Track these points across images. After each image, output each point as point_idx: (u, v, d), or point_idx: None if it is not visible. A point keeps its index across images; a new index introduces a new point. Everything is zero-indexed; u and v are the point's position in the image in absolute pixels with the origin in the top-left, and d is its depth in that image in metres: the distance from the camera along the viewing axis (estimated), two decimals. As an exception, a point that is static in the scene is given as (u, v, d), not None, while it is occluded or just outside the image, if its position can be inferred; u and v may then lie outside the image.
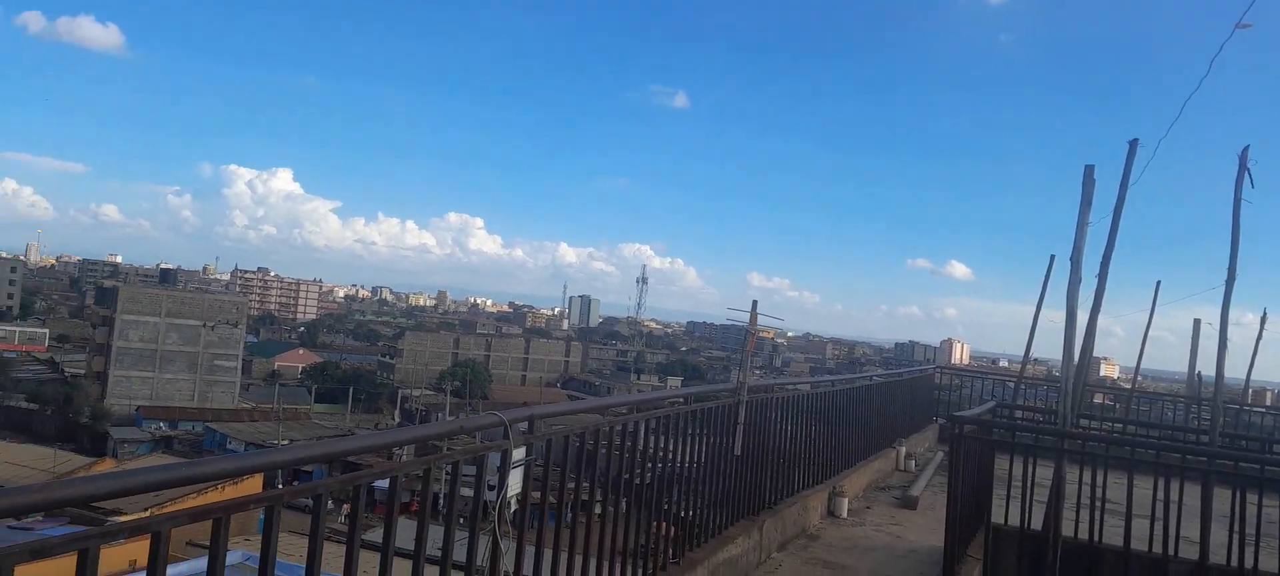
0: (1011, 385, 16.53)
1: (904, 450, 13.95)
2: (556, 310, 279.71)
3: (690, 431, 6.66)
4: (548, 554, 4.78)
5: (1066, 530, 6.96)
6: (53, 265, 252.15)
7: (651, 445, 6.02)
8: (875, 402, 12.91)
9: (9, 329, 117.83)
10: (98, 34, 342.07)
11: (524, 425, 4.56)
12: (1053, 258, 11.25)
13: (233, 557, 2.78)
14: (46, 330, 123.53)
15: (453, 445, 4.44)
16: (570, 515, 5.13)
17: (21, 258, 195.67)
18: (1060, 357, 7.81)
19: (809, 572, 8.09)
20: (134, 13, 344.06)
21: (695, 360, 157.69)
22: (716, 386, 8.08)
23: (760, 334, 7.24)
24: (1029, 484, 7.07)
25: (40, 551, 2.12)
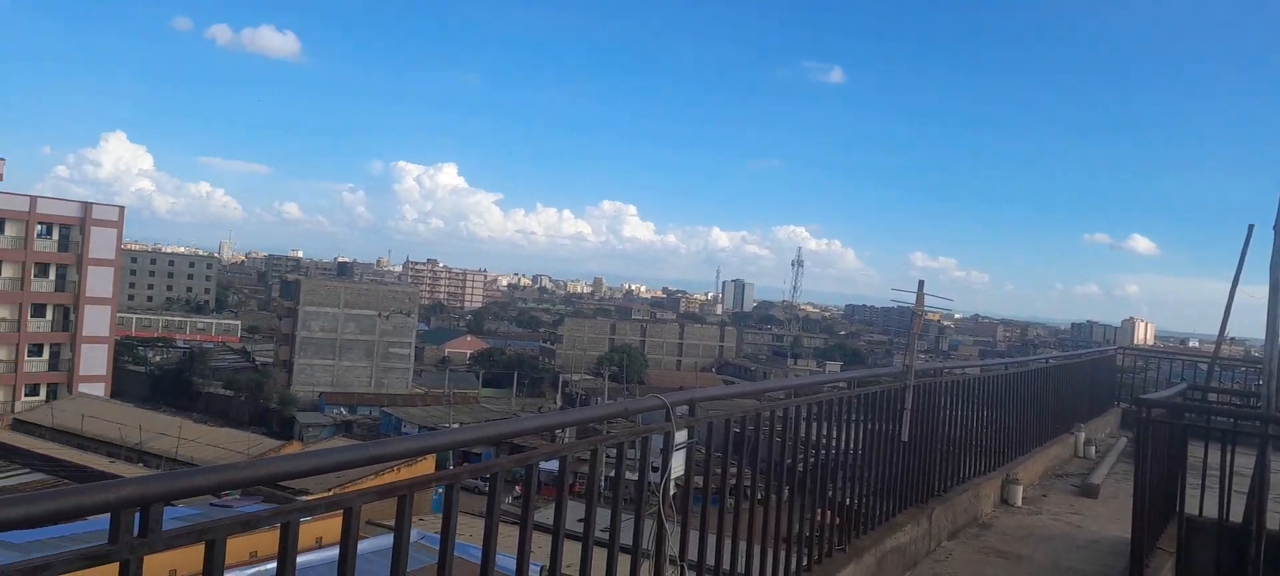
0: (1203, 366, 15.36)
1: (1083, 436, 13.22)
2: (710, 295, 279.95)
3: (852, 417, 6.52)
4: (711, 538, 4.79)
5: (1271, 523, 6.42)
6: (243, 261, 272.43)
7: (811, 431, 5.93)
8: (1051, 386, 12.27)
9: (206, 321, 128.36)
10: (277, 42, 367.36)
11: (684, 408, 4.57)
12: (1252, 227, 10.34)
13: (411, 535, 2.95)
14: (239, 322, 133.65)
15: (612, 428, 4.51)
16: (732, 500, 5.12)
17: (216, 255, 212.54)
18: (1261, 336, 7.20)
19: (982, 561, 7.79)
20: (309, 20, 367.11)
21: (855, 344, 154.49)
22: (880, 370, 7.88)
23: (926, 316, 6.99)
24: (1227, 473, 6.55)
25: (249, 524, 2.29)
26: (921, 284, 6.90)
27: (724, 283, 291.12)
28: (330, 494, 2.88)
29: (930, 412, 7.83)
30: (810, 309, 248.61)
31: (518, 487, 3.93)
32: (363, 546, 3.09)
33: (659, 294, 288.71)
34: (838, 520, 6.28)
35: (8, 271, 68.77)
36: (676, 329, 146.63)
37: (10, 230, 68.69)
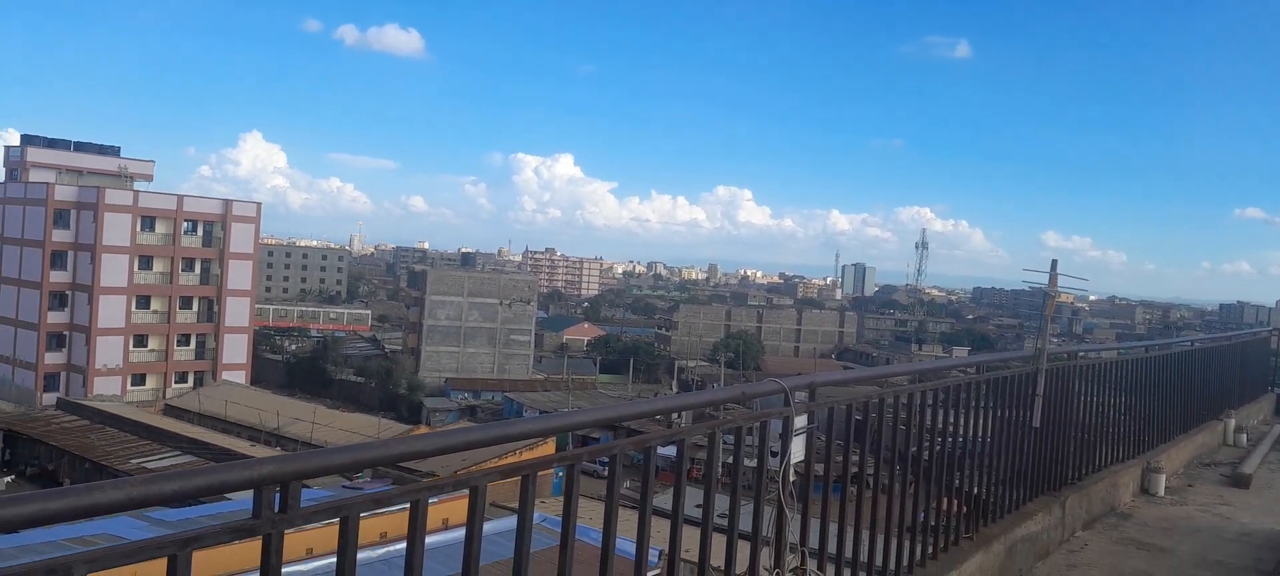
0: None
1: (1233, 422, 12.45)
2: (829, 280, 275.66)
3: (980, 403, 6.31)
4: (832, 526, 4.70)
5: None
6: (372, 253, 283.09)
7: (936, 418, 5.76)
8: (1196, 370, 11.59)
9: (338, 311, 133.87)
10: (401, 40, 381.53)
11: (804, 393, 4.48)
12: None
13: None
14: (369, 311, 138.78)
15: (729, 412, 4.46)
16: (855, 488, 5.02)
17: (347, 248, 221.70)
18: None
19: (1120, 553, 7.42)
20: (431, 17, 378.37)
21: (983, 328, 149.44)
22: (1009, 354, 7.59)
23: (1059, 298, 6.69)
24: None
25: (381, 502, 2.37)
26: (1054, 264, 6.60)
27: (843, 267, 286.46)
28: (456, 474, 2.96)
29: (1063, 398, 7.53)
30: (935, 292, 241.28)
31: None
32: (484, 528, 3.15)
33: (775, 279, 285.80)
34: (964, 508, 6.09)
35: (158, 266, 73.48)
36: (794, 315, 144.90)
37: (160, 227, 73.37)
